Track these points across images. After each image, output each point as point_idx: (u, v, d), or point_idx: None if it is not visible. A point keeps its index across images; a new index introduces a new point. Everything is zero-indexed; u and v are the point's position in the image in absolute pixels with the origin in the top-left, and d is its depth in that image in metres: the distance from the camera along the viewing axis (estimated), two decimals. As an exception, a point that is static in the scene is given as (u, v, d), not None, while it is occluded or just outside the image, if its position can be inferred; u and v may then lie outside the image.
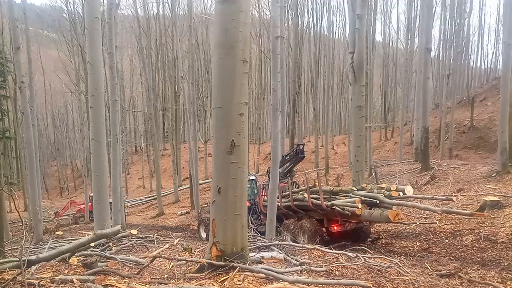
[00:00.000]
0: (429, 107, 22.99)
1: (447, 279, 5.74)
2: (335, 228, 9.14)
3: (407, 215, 11.13)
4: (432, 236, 8.95)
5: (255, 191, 12.82)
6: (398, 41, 38.19)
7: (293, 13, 24.38)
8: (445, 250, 7.86)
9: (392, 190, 8.45)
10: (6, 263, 4.45)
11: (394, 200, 8.18)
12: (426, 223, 10.10)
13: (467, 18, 29.50)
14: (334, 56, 34.70)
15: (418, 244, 8.59)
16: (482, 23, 41.70)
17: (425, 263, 6.74)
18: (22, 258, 3.92)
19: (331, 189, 9.83)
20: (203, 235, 12.20)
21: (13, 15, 13.91)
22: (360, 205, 8.33)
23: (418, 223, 10.23)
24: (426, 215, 10.60)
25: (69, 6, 28.63)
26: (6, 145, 34.74)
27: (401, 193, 8.29)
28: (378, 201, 8.34)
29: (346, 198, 8.90)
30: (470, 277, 5.82)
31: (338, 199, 9.09)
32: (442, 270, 6.20)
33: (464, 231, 8.69)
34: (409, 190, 8.36)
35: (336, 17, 46.93)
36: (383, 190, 8.66)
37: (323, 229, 9.43)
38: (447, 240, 8.45)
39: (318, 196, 9.19)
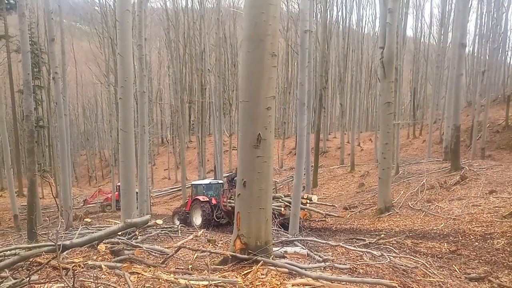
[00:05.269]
0: (461, 104, 22.20)
1: (476, 282, 5.57)
2: None
3: (435, 215, 10.85)
4: (461, 238, 8.67)
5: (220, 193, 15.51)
6: (430, 36, 37.04)
7: (322, 6, 23.96)
8: (474, 253, 7.60)
9: (304, 198, 11.91)
10: (42, 247, 4.62)
11: (304, 206, 11.94)
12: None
13: (505, 13, 28.21)
14: (362, 51, 33.96)
15: (446, 245, 8.33)
16: (521, 18, 39.61)
17: (453, 265, 6.56)
18: (58, 243, 4.06)
19: None
20: (177, 223, 14.19)
21: (48, 7, 14.39)
22: (283, 208, 12.01)
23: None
24: (455, 216, 10.29)
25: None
26: (40, 133, 36.23)
27: (308, 200, 12.24)
28: None
29: (277, 202, 12.10)
30: (501, 281, 5.63)
31: (272, 203, 11.50)
32: (471, 273, 6.02)
33: (495, 234, 8.37)
34: (314, 198, 12.53)
35: (366, 11, 45.93)
36: None
37: None
38: (477, 243, 8.17)
39: None
